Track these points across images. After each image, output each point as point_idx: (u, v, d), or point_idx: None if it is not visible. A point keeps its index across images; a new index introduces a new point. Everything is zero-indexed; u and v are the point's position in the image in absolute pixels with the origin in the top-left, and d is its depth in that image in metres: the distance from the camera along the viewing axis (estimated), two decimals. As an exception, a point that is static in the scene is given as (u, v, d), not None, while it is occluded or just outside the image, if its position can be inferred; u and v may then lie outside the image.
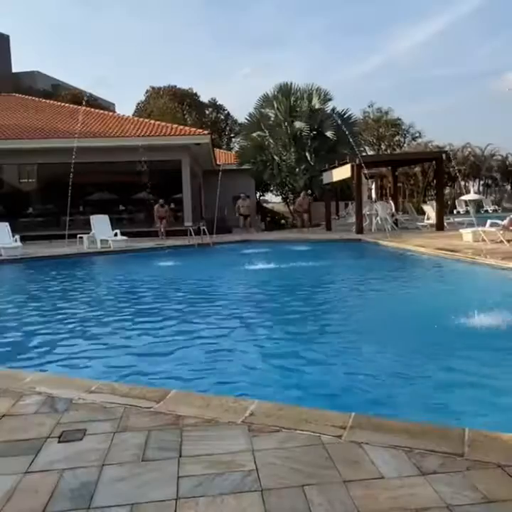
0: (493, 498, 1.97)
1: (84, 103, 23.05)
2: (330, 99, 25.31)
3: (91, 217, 16.43)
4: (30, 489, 2.13)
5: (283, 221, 29.71)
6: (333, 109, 25.58)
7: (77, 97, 36.05)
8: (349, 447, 2.40)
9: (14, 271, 12.37)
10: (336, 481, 2.11)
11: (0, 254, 13.58)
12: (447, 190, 39.05)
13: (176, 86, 45.94)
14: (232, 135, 45.59)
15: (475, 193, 35.94)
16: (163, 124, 23.45)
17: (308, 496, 2.01)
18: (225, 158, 29.93)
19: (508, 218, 12.40)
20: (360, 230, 17.88)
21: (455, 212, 31.02)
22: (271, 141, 25.24)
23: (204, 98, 47.42)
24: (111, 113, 28.57)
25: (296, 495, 2.03)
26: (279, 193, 33.13)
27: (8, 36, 45.29)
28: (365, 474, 2.17)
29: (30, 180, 24.18)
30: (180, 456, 2.37)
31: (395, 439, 2.47)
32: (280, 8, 77.81)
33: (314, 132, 24.33)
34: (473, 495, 2.00)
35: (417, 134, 44.09)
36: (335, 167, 19.89)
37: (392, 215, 19.76)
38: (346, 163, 18.63)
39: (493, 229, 12.50)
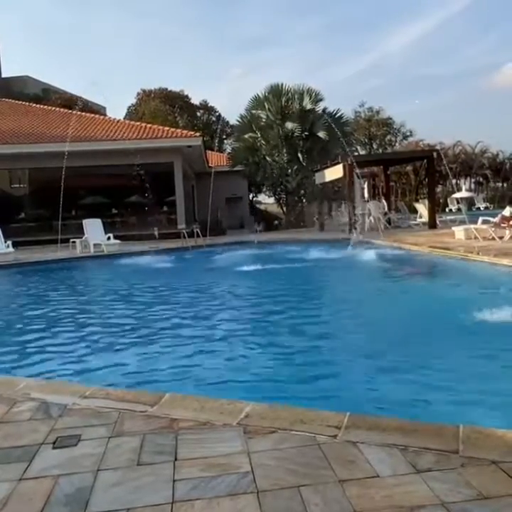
0: (487, 495, 1.98)
1: (76, 107, 22.98)
2: (321, 100, 25.38)
3: (83, 221, 16.35)
4: (25, 496, 2.12)
5: (276, 222, 29.78)
6: (324, 110, 25.64)
7: (67, 101, 35.91)
8: (344, 447, 2.41)
9: (6, 276, 12.29)
10: (332, 481, 2.11)
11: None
12: (439, 189, 39.21)
13: (166, 88, 45.85)
14: (224, 137, 45.52)
15: (466, 190, 36.10)
16: (155, 126, 23.42)
17: (304, 497, 2.01)
18: (217, 160, 29.92)
19: (499, 215, 12.48)
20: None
21: (447, 210, 31.16)
22: (263, 142, 25.26)
23: (195, 100, 47.41)
24: (102, 116, 28.47)
25: (292, 495, 2.03)
26: (271, 194, 33.21)
27: (-3, 41, 45.05)
28: (360, 473, 2.17)
29: (21, 185, 24.07)
30: (175, 459, 2.37)
31: (389, 438, 2.48)
32: (270, 8, 77.79)
33: (306, 133, 24.38)
34: (468, 491, 2.01)
35: (408, 133, 44.29)
36: (327, 167, 19.92)
37: (385, 214, 19.83)
38: (338, 163, 18.68)
39: (484, 226, 12.58)
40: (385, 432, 2.55)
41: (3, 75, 44.25)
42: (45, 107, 28.50)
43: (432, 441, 2.43)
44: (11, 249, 14.24)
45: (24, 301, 8.88)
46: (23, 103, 28.86)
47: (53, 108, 27.99)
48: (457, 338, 4.96)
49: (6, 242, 14.47)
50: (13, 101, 29.02)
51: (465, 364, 4.24)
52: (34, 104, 28.96)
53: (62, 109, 26.97)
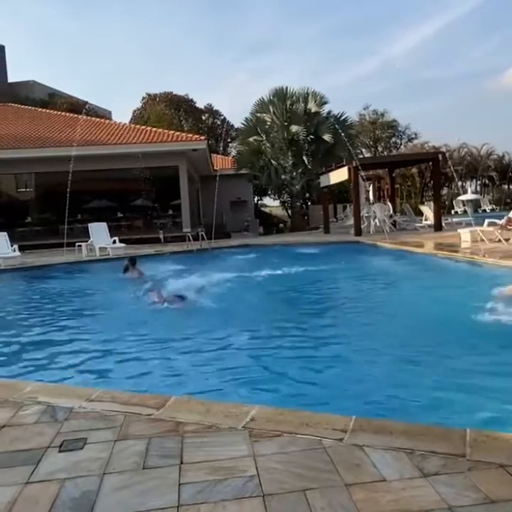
0: (495, 499, 1.96)
1: (83, 111, 23.10)
2: (326, 103, 25.36)
3: (89, 225, 16.41)
4: (31, 500, 2.13)
5: (281, 225, 29.80)
6: (329, 113, 25.64)
7: (73, 106, 36.13)
8: (350, 450, 2.40)
9: (12, 280, 12.34)
10: (338, 485, 2.10)
11: (-1, 264, 13.56)
12: (445, 191, 39.11)
13: (171, 92, 45.99)
14: (228, 140, 45.58)
15: (472, 192, 35.97)
16: (160, 130, 23.50)
17: (310, 501, 2.00)
18: (222, 163, 29.98)
19: (505, 217, 12.43)
20: (358, 232, 17.89)
21: (453, 212, 31.08)
22: (268, 145, 25.27)
23: (200, 104, 47.55)
24: (107, 121, 28.61)
25: (298, 499, 2.02)
26: (276, 197, 33.21)
27: (3, 46, 45.43)
28: (366, 477, 2.16)
29: (27, 189, 24.22)
30: (181, 463, 2.36)
31: (396, 441, 2.46)
32: (276, 12, 78.01)
33: (311, 136, 24.36)
34: (475, 495, 1.99)
35: (413, 136, 44.20)
36: (332, 170, 19.92)
37: (390, 217, 19.78)
38: (343, 165, 18.66)
39: (491, 228, 12.52)
40: (392, 435, 2.53)
41: (9, 80, 44.56)
42: (51, 111, 28.67)
43: (438, 444, 2.41)
44: (17, 253, 14.30)
45: (25, 305, 8.89)
46: (30, 108, 29.06)
47: (59, 112, 28.15)
48: None
49: (12, 246, 14.54)
50: (19, 106, 29.22)
51: None
52: (40, 109, 29.15)
53: (68, 114, 27.13)
